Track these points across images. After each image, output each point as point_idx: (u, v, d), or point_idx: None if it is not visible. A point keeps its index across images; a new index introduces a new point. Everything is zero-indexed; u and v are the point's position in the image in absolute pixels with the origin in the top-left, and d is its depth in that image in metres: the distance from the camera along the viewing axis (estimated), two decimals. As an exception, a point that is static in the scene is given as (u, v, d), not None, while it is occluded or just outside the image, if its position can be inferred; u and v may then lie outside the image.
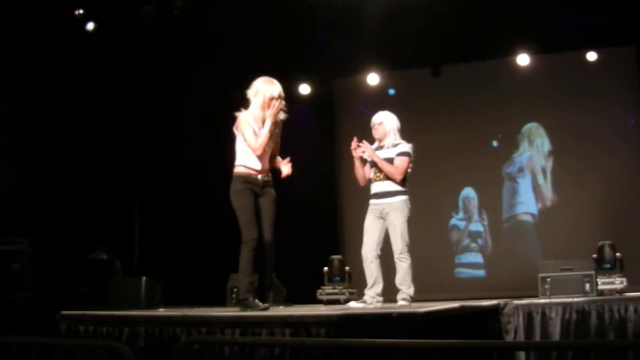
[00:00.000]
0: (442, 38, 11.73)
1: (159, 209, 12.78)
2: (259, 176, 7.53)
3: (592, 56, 11.74)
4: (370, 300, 8.18)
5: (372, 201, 8.33)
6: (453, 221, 12.85)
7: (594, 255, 9.22)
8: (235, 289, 10.19)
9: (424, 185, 12.73)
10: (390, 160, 8.25)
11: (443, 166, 12.70)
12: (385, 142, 8.37)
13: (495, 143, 12.71)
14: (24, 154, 11.44)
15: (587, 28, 11.31)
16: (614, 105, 11.95)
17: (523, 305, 8.24)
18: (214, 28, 11.68)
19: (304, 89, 12.88)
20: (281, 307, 8.41)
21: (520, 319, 8.18)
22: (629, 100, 11.80)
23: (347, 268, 10.80)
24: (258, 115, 7.56)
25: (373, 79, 12.79)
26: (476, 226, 12.71)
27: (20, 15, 10.86)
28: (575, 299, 8.24)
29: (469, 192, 12.79)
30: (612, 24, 11.16)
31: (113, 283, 10.70)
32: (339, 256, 11.01)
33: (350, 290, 10.59)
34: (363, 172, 8.38)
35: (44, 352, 6.98)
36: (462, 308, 6.94)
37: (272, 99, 7.56)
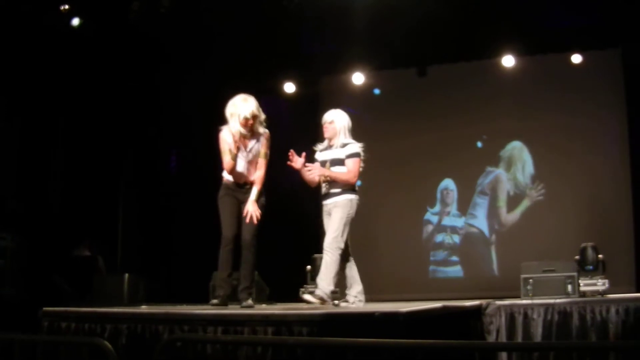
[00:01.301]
0: (428, 38, 11.74)
1: (143, 206, 12.75)
2: (239, 184, 7.90)
3: (577, 58, 11.76)
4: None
5: (322, 202, 8.30)
6: (427, 215, 12.87)
7: (577, 257, 9.26)
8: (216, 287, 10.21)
9: (405, 187, 12.82)
10: (339, 162, 8.13)
11: (427, 166, 12.74)
12: (335, 141, 8.23)
13: (479, 144, 12.72)
14: (13, 151, 11.40)
15: (573, 30, 11.36)
16: (599, 106, 11.97)
17: (505, 306, 8.27)
18: (200, 27, 11.66)
19: (290, 87, 12.87)
20: (264, 305, 8.42)
21: (503, 319, 8.22)
22: (614, 102, 11.81)
23: (329, 267, 10.78)
24: (236, 132, 7.80)
25: (358, 78, 12.78)
26: (453, 220, 12.74)
27: (8, 8, 10.82)
28: (558, 300, 8.27)
29: (448, 183, 12.81)
30: (597, 26, 11.21)
31: (96, 280, 10.67)
32: (321, 255, 10.98)
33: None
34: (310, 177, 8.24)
35: (27, 349, 6.96)
36: (444, 308, 6.96)
37: (246, 119, 7.77)
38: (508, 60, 12.01)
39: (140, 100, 12.57)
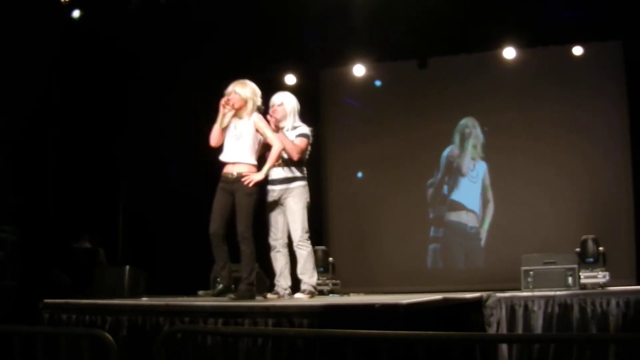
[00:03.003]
0: (429, 30, 11.72)
1: (144, 198, 12.74)
2: (229, 175, 7.73)
3: (578, 50, 11.76)
4: (282, 292, 8.06)
5: (270, 187, 8.08)
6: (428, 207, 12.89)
7: (577, 249, 9.26)
8: (218, 279, 10.22)
9: (405, 180, 12.83)
10: None
11: (426, 158, 12.76)
12: (285, 124, 8.12)
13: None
14: (12, 144, 11.39)
15: (574, 22, 11.33)
16: (600, 99, 11.98)
17: (506, 298, 8.27)
18: (201, 19, 11.65)
19: (290, 79, 12.85)
20: (264, 296, 8.42)
21: (503, 311, 8.22)
22: (615, 95, 11.82)
23: (330, 259, 10.81)
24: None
25: (359, 70, 12.78)
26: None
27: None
28: (558, 293, 8.28)
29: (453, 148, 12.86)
30: (598, 18, 11.18)
31: (97, 272, 10.67)
32: (322, 247, 11.00)
33: (334, 281, 10.61)
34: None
35: (28, 341, 6.96)
36: (444, 300, 6.95)
37: (227, 93, 7.85)
38: (509, 53, 12.00)
39: (138, 93, 12.55)
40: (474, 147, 12.68)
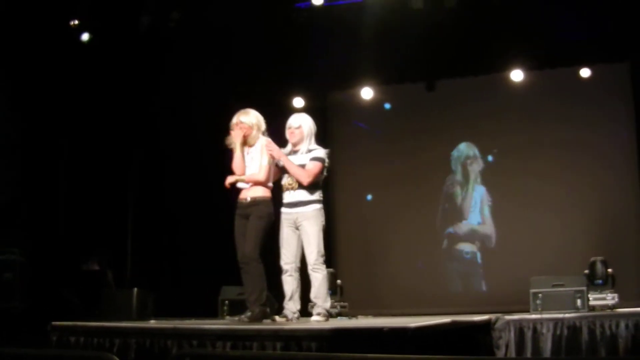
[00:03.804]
0: (437, 53, 11.74)
1: (153, 220, 12.76)
2: (243, 200, 7.91)
3: (585, 72, 11.77)
4: (291, 315, 7.99)
5: (284, 210, 8.07)
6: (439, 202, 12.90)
7: (586, 271, 9.24)
8: (226, 301, 10.24)
9: (414, 202, 12.81)
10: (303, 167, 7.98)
11: (434, 181, 12.75)
12: (301, 147, 8.09)
13: (490, 158, 12.70)
14: (20, 165, 11.43)
15: (581, 44, 11.34)
16: (608, 120, 11.96)
17: (514, 321, 8.25)
18: (209, 41, 11.71)
19: (298, 102, 12.86)
20: (273, 319, 8.40)
21: (512, 334, 8.20)
22: (623, 115, 11.81)
23: (338, 281, 10.79)
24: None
25: (367, 93, 12.79)
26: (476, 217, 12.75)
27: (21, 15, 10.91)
28: (567, 315, 8.26)
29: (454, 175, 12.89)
30: (605, 39, 11.20)
31: (105, 294, 10.68)
32: (330, 269, 10.97)
33: (342, 303, 10.58)
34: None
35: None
36: (453, 323, 6.94)
37: (231, 124, 8.02)
38: (517, 75, 12.01)
39: (147, 115, 12.60)
40: (478, 172, 12.68)
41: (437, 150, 12.78)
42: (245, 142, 7.94)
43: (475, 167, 12.70)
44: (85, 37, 11.56)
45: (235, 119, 7.95)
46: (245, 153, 7.94)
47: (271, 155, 7.92)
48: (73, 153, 12.00)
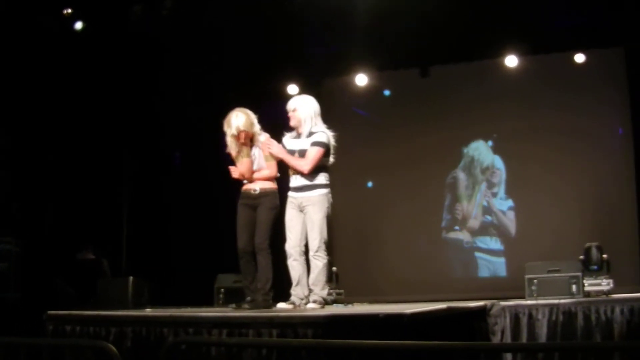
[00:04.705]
0: (431, 39, 11.72)
1: (148, 208, 12.75)
2: (251, 191, 8.04)
3: (580, 58, 11.76)
4: (298, 302, 7.94)
5: (290, 194, 8.03)
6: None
7: (581, 257, 9.24)
8: (222, 289, 10.25)
9: (412, 189, 12.80)
10: (304, 153, 7.90)
11: (433, 166, 12.74)
12: (302, 130, 7.99)
13: (490, 142, 12.68)
14: (13, 154, 11.41)
15: (576, 29, 11.33)
16: (603, 105, 11.95)
17: (510, 307, 8.26)
18: (203, 29, 11.67)
19: (293, 89, 12.83)
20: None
21: (507, 320, 8.20)
22: (618, 101, 11.80)
23: (334, 269, 10.79)
24: (230, 144, 8.14)
25: (361, 79, 12.76)
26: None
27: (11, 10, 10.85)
28: (562, 301, 8.26)
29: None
30: (600, 25, 11.18)
31: (101, 283, 10.68)
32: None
33: (338, 290, 10.58)
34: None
35: (32, 353, 6.96)
36: (448, 309, 6.94)
37: (233, 136, 8.07)
38: (511, 60, 11.99)
39: (142, 104, 12.57)
40: (477, 160, 12.68)
41: (433, 136, 12.74)
42: (251, 145, 8.05)
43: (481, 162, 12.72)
44: (78, 25, 11.51)
45: (233, 129, 7.94)
46: (251, 155, 8.06)
47: (270, 153, 7.99)
48: (68, 142, 11.98)
